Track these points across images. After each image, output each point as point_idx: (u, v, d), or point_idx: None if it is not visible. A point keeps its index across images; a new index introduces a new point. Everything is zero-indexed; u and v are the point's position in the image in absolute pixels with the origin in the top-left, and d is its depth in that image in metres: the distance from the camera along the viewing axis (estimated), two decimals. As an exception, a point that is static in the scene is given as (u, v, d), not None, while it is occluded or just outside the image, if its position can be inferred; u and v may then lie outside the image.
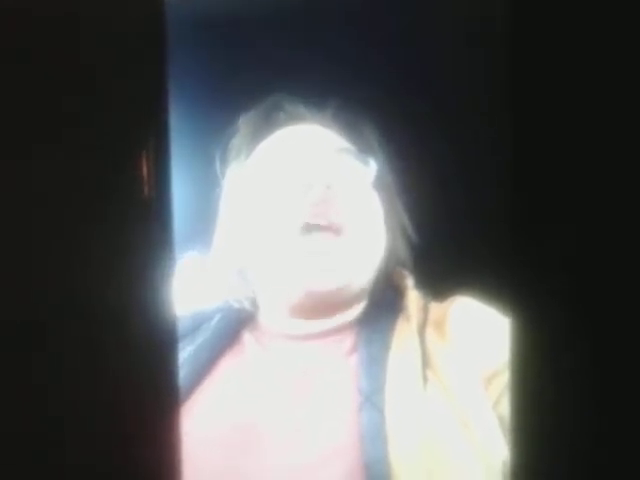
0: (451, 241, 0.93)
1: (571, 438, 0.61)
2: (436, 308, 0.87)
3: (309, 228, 0.84)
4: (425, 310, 0.86)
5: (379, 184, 0.90)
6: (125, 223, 0.66)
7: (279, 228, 0.85)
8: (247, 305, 0.92)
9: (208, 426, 0.81)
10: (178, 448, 0.66)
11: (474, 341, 0.82)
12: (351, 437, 0.76)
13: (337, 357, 0.84)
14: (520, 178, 0.64)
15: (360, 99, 0.89)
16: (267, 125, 0.90)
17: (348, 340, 0.86)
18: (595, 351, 0.62)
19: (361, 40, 0.93)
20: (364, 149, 0.89)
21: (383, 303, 0.88)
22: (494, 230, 0.78)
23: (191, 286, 0.93)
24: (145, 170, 0.67)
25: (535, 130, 0.63)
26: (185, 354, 0.85)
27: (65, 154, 0.65)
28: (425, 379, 0.79)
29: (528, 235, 0.65)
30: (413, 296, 0.88)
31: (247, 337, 0.90)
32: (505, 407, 0.76)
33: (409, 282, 0.90)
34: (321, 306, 0.87)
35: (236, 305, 0.92)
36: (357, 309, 0.89)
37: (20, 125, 0.65)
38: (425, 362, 0.80)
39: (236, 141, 0.91)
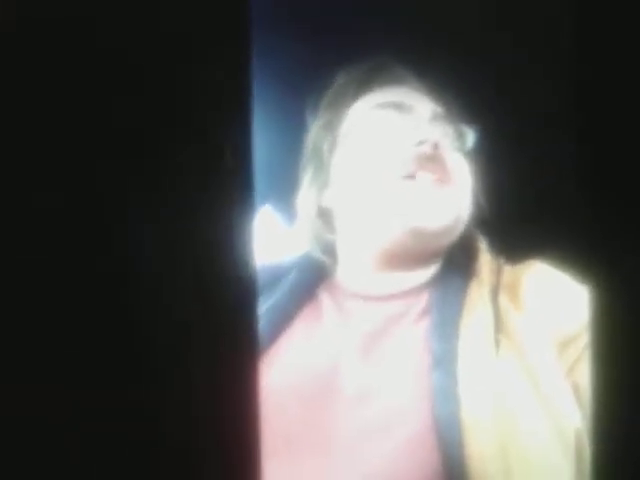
0: (526, 205, 0.93)
1: None
2: (510, 272, 0.87)
3: (415, 179, 0.86)
4: (498, 273, 0.86)
5: (470, 150, 0.92)
6: (208, 175, 0.67)
7: (384, 173, 0.87)
8: (326, 259, 0.93)
9: (285, 379, 0.83)
10: (257, 399, 0.67)
11: (549, 307, 0.82)
12: (422, 397, 0.77)
13: (410, 318, 0.85)
14: (603, 141, 0.64)
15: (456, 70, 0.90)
16: (371, 80, 0.92)
17: (422, 302, 0.86)
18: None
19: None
20: (462, 118, 0.91)
21: (456, 266, 0.89)
22: (571, 195, 0.78)
23: (270, 239, 0.94)
24: (227, 122, 0.67)
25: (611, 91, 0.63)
26: (262, 309, 0.87)
27: (155, 113, 0.66)
28: (497, 343, 0.79)
29: (607, 199, 0.65)
30: (487, 259, 0.89)
31: (323, 295, 0.92)
32: (579, 375, 0.77)
33: (483, 245, 0.90)
34: (411, 254, 0.88)
35: (315, 258, 0.93)
36: (432, 270, 0.89)
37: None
38: (498, 326, 0.81)
39: (337, 91, 0.93)
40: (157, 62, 0.66)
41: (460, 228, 0.89)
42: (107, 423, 0.64)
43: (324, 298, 0.91)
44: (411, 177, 0.86)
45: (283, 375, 0.83)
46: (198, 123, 0.67)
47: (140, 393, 0.65)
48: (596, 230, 0.66)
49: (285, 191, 0.94)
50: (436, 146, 0.87)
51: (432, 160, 0.86)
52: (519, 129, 0.96)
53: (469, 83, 0.90)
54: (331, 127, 0.92)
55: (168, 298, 0.66)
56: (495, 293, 0.84)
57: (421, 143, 0.86)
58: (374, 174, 0.88)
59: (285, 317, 0.88)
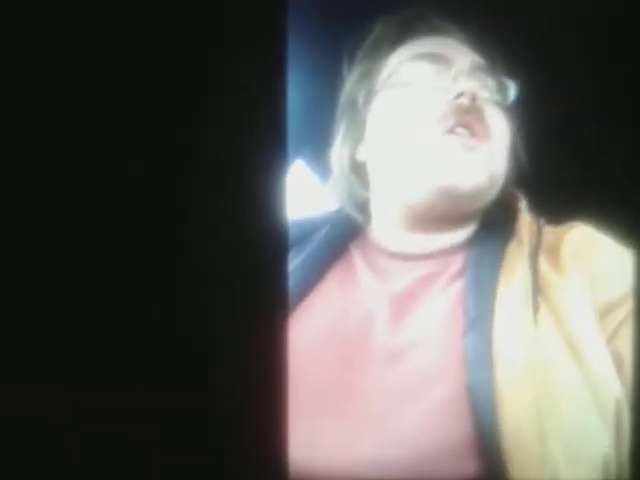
0: (569, 165, 0.90)
1: None
2: (550, 233, 0.84)
3: (454, 132, 0.84)
4: (538, 234, 0.84)
5: (510, 106, 0.89)
6: (241, 128, 0.66)
7: (421, 126, 0.85)
8: (358, 216, 0.91)
9: (315, 336, 0.81)
10: (286, 354, 0.67)
11: (591, 271, 0.80)
12: (455, 360, 0.76)
13: (445, 279, 0.83)
14: None
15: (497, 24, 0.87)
16: (409, 31, 0.90)
17: (457, 262, 0.84)
18: None
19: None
20: (503, 70, 0.88)
21: (495, 225, 0.86)
22: (617, 155, 0.76)
23: (303, 194, 0.92)
24: (261, 75, 0.66)
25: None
26: (293, 264, 0.85)
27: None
28: (536, 306, 0.77)
29: None
30: (526, 219, 0.86)
31: (355, 252, 0.90)
32: (621, 343, 0.74)
33: (522, 205, 0.88)
34: (446, 215, 0.86)
35: (347, 214, 0.91)
36: (468, 229, 0.87)
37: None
38: (536, 289, 0.79)
39: (374, 41, 0.90)
40: (190, 14, 0.65)
41: (496, 188, 0.86)
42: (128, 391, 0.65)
43: (357, 255, 0.89)
44: (449, 131, 0.84)
45: (313, 331, 0.82)
46: (231, 75, 0.66)
47: (167, 358, 0.65)
48: None
49: (319, 145, 0.92)
50: (475, 98, 0.84)
51: (470, 113, 0.84)
52: (564, 83, 0.92)
53: (512, 34, 0.87)
54: (367, 78, 0.89)
55: (204, 251, 0.66)
56: (535, 255, 0.82)
57: (459, 95, 0.84)
58: (410, 128, 0.85)
59: (317, 272, 0.87)
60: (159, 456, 0.67)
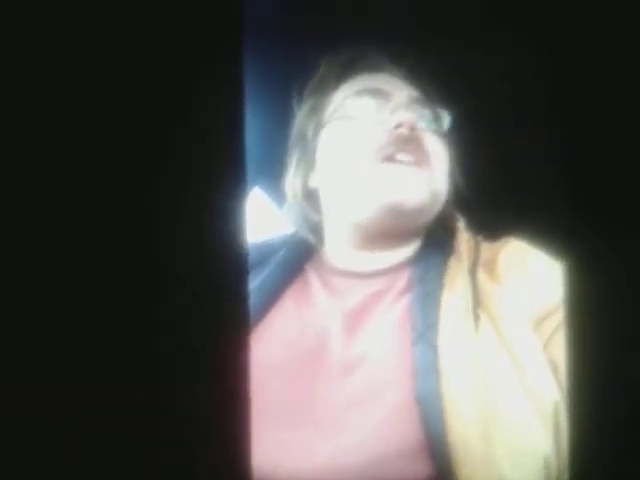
0: (502, 184, 0.96)
1: (627, 377, 0.63)
2: (487, 249, 0.90)
3: (395, 159, 0.89)
4: (476, 250, 0.90)
5: (446, 134, 0.95)
6: (201, 159, 0.69)
7: (364, 156, 0.90)
8: (312, 238, 0.96)
9: (274, 353, 0.86)
10: (248, 373, 0.69)
11: (525, 282, 0.86)
12: (404, 371, 0.80)
13: (393, 295, 0.89)
14: (581, 118, 0.65)
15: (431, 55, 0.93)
16: (351, 69, 0.96)
17: (404, 278, 0.90)
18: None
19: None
20: (438, 102, 0.95)
21: (436, 243, 0.92)
22: (547, 173, 0.79)
23: (261, 220, 0.97)
24: (218, 108, 0.69)
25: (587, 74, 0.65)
26: (252, 285, 0.90)
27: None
28: (476, 317, 0.83)
29: (583, 177, 0.66)
30: (465, 237, 0.92)
31: (310, 272, 0.95)
32: (555, 349, 0.80)
33: (461, 224, 0.94)
34: (392, 232, 0.91)
35: (302, 238, 0.97)
36: (412, 248, 0.93)
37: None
38: (476, 301, 0.84)
39: (320, 79, 0.97)
40: (152, 49, 0.67)
41: (437, 207, 0.92)
42: (99, 397, 0.65)
43: (312, 275, 0.94)
44: (390, 159, 0.89)
45: (273, 349, 0.86)
46: (192, 107, 0.68)
47: (135, 372, 0.66)
48: (572, 208, 0.68)
49: (275, 174, 0.97)
50: (413, 128, 0.90)
51: (409, 142, 0.90)
52: (496, 109, 0.98)
53: (443, 69, 0.93)
54: (315, 113, 0.96)
55: (166, 276, 0.68)
56: (473, 269, 0.87)
57: (398, 126, 0.90)
58: (355, 157, 0.91)
59: (275, 293, 0.92)
60: (123, 471, 0.67)
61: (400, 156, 0.89)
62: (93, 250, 0.67)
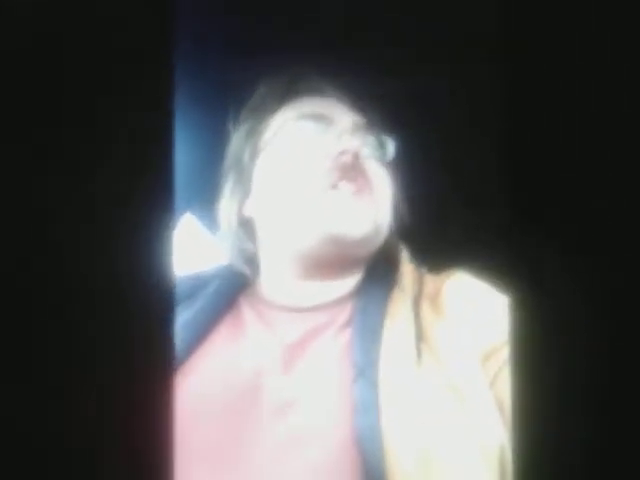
0: (447, 215, 0.94)
1: (573, 419, 0.61)
2: (431, 281, 0.87)
3: (338, 187, 0.87)
4: (420, 283, 0.87)
5: (390, 162, 0.92)
6: (126, 181, 0.65)
7: (305, 183, 0.87)
8: (246, 269, 0.92)
9: (204, 391, 0.81)
10: (173, 413, 0.64)
11: (470, 317, 0.83)
12: (344, 410, 0.76)
13: (333, 330, 0.85)
14: (525, 148, 0.63)
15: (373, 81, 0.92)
16: (292, 91, 0.93)
17: (345, 312, 0.86)
18: (596, 329, 0.61)
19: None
20: (382, 128, 0.92)
21: (379, 275, 0.89)
22: (492, 204, 0.78)
23: (192, 248, 0.93)
24: (147, 130, 0.65)
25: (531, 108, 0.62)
26: (182, 320, 0.86)
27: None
28: (419, 352, 0.79)
29: (528, 208, 0.64)
30: (408, 268, 0.89)
31: (245, 305, 0.90)
32: (502, 387, 0.77)
33: (404, 255, 0.91)
34: (333, 263, 0.88)
35: (236, 269, 0.92)
36: (354, 279, 0.89)
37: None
38: (419, 335, 0.80)
39: (258, 101, 0.93)
40: (81, 70, 0.64)
41: (380, 237, 0.89)
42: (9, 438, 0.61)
43: (246, 309, 0.90)
44: (332, 187, 0.86)
45: (202, 387, 0.81)
46: (118, 129, 0.65)
47: (49, 403, 0.62)
48: (517, 239, 0.65)
49: (207, 200, 0.93)
50: (357, 156, 0.87)
51: (353, 170, 0.87)
52: (440, 138, 0.96)
53: (389, 93, 0.91)
54: (252, 136, 0.92)
55: (83, 307, 0.63)
56: (417, 302, 0.84)
57: (342, 153, 0.87)
58: (295, 184, 0.87)
59: (205, 328, 0.87)
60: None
61: (343, 184, 0.86)
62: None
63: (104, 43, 0.64)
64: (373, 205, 0.87)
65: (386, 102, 0.91)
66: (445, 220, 0.94)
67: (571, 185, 0.62)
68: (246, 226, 0.92)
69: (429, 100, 0.95)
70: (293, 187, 0.87)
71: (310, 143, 0.89)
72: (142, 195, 0.65)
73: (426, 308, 0.84)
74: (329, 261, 0.87)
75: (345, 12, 0.95)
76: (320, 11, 0.96)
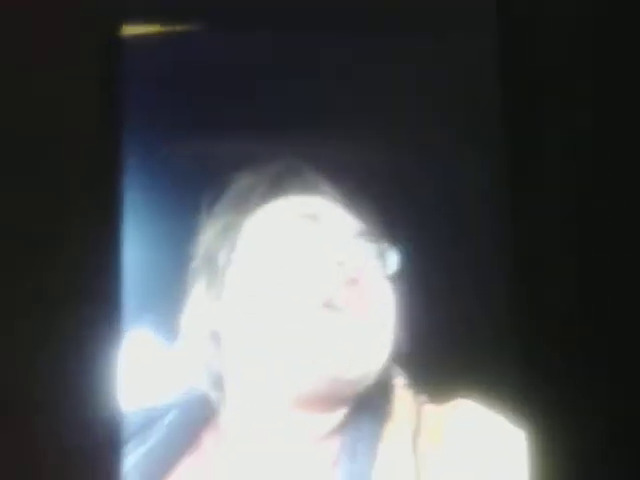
0: (451, 336, 0.83)
1: None
2: (432, 414, 0.75)
3: (333, 306, 0.75)
4: (418, 415, 0.75)
5: (394, 274, 0.81)
6: (68, 298, 0.56)
7: (296, 299, 0.75)
8: (215, 395, 0.79)
9: None
10: None
11: (481, 457, 0.71)
12: None
13: (317, 474, 0.72)
14: (535, 270, 0.63)
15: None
16: (280, 185, 0.81)
17: (330, 452, 0.73)
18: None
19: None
20: (385, 236, 0.81)
21: (370, 406, 0.76)
22: (502, 325, 0.74)
23: (144, 369, 0.80)
24: (93, 235, 0.58)
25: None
26: (134, 458, 0.72)
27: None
28: (419, 502, 0.67)
29: (540, 333, 0.64)
30: (405, 398, 0.77)
31: (208, 441, 0.77)
32: None
33: (400, 381, 0.78)
34: (320, 399, 0.75)
35: (200, 395, 0.79)
36: (341, 413, 0.76)
37: None
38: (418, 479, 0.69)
39: (239, 193, 0.81)
40: (22, 172, 0.57)
41: (380, 368, 0.77)
42: None
43: (210, 447, 0.76)
44: (328, 306, 0.75)
45: None
46: (60, 233, 0.57)
47: None
48: (531, 365, 0.64)
49: (164, 310, 0.81)
50: (358, 269, 0.76)
51: (352, 285, 0.76)
52: (445, 251, 0.87)
53: (387, 197, 0.82)
54: (229, 233, 0.80)
55: (15, 445, 0.54)
56: (415, 439, 0.73)
57: (340, 264, 0.76)
58: (282, 299, 0.76)
59: (163, 467, 0.74)
60: None
61: (341, 303, 0.75)
62: None
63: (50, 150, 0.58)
64: (375, 331, 0.76)
65: (386, 202, 0.80)
66: (448, 342, 0.83)
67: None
68: (217, 342, 0.79)
69: (434, 208, 0.86)
70: (279, 303, 0.76)
71: (302, 249, 0.77)
72: (86, 317, 0.56)
73: (426, 446, 0.72)
74: (317, 398, 0.75)
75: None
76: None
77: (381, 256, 0.80)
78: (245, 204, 0.81)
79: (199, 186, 0.80)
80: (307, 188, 0.82)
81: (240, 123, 0.84)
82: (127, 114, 0.56)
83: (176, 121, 0.82)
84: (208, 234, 0.81)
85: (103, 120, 0.58)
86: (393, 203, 0.82)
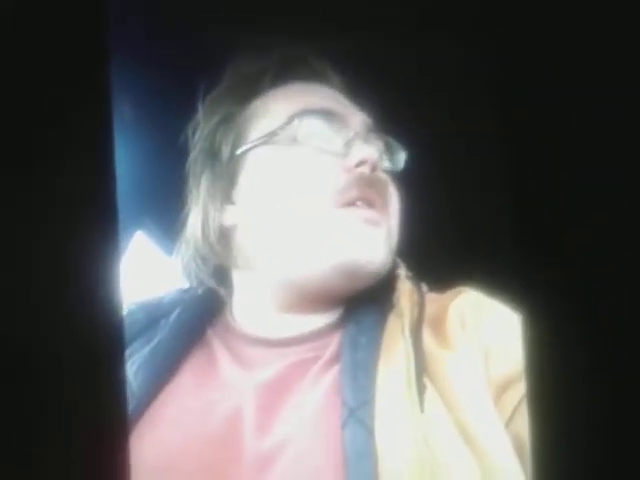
0: (451, 224, 0.83)
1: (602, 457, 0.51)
2: (434, 302, 0.75)
3: (353, 205, 0.74)
4: (420, 304, 0.74)
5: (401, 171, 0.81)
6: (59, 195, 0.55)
7: (315, 195, 0.74)
8: (221, 292, 0.79)
9: (170, 444, 0.68)
10: (127, 470, 0.53)
11: (482, 343, 0.70)
12: (333, 457, 0.64)
13: (319, 365, 0.72)
14: (535, 161, 0.55)
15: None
16: (287, 71, 0.79)
17: (332, 344, 0.73)
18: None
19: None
20: (390, 131, 0.80)
21: (372, 298, 0.76)
22: (500, 211, 0.73)
23: (144, 269, 0.79)
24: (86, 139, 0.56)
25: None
26: (139, 359, 0.73)
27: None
28: (421, 388, 0.66)
29: (541, 217, 0.56)
30: (406, 288, 0.76)
31: (214, 338, 0.77)
32: (521, 426, 0.64)
33: (401, 271, 0.78)
34: (333, 295, 0.76)
35: (204, 293, 0.78)
36: (342, 306, 0.76)
37: None
38: (421, 368, 0.68)
39: (241, 79, 0.80)
40: (17, 94, 0.54)
41: (390, 260, 0.76)
42: None
43: (215, 342, 0.76)
44: (348, 205, 0.74)
45: (165, 443, 0.68)
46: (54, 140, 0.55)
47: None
48: (530, 248, 0.57)
49: (162, 212, 0.79)
50: (375, 167, 0.75)
51: (371, 185, 0.74)
52: (445, 146, 0.85)
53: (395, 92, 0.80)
54: (230, 123, 0.78)
55: (12, 350, 0.53)
56: (417, 329, 0.71)
57: (360, 163, 0.74)
58: (300, 196, 0.74)
59: (170, 365, 0.74)
60: None
61: (361, 202, 0.74)
62: None
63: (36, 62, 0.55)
64: (388, 227, 0.75)
65: (390, 100, 0.78)
66: (448, 230, 0.83)
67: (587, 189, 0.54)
68: (224, 239, 0.78)
69: (434, 106, 0.84)
70: (296, 200, 0.74)
71: (319, 146, 0.75)
72: (79, 209, 0.54)
73: (428, 335, 0.71)
74: (330, 293, 0.75)
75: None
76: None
77: (390, 154, 0.79)
78: (248, 91, 0.79)
79: (192, 73, 0.76)
80: (314, 76, 0.80)
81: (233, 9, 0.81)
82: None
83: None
84: (204, 128, 0.79)
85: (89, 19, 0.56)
86: (397, 97, 0.80)
